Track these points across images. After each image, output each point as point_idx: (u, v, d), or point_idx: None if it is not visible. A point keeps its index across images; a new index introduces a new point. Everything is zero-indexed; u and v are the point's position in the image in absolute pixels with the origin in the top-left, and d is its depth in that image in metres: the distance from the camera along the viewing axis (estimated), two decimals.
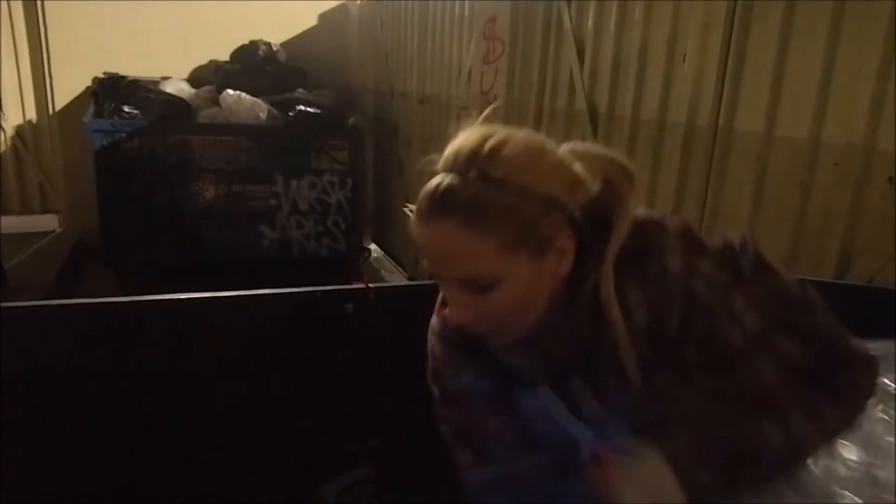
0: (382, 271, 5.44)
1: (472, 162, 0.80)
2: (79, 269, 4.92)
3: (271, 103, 4.84)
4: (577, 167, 0.82)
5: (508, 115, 3.52)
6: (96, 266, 4.81)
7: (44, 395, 1.25)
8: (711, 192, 2.29)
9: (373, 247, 5.87)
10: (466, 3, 4.02)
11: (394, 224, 5.40)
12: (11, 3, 4.87)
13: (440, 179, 0.81)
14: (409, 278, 4.82)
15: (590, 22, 2.87)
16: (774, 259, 0.86)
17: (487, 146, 0.80)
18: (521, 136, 0.82)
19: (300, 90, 5.13)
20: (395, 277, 5.19)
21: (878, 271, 1.76)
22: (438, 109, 4.47)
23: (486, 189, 0.78)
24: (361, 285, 1.47)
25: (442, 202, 0.79)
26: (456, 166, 0.81)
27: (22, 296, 3.74)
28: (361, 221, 5.38)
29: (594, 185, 0.83)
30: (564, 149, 0.84)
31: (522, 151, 0.80)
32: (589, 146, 0.86)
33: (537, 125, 3.30)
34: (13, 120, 5.10)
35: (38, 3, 4.93)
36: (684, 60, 2.37)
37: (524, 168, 0.79)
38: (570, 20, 2.98)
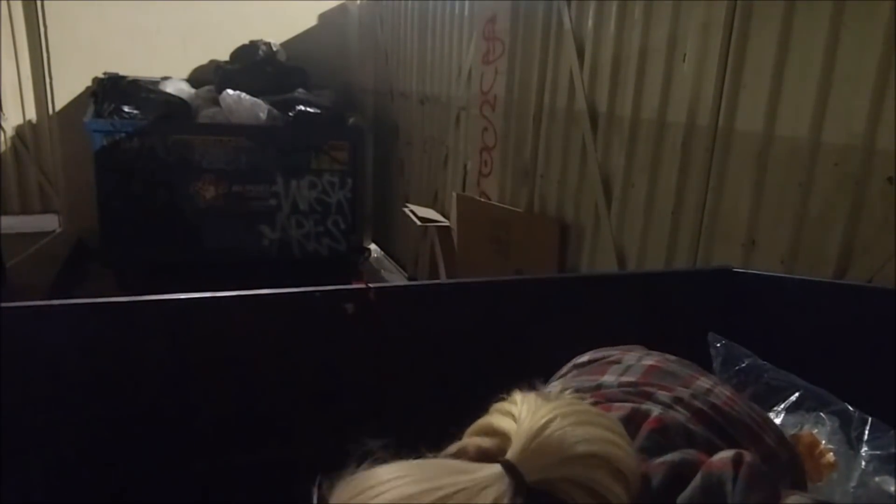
0: (382, 271, 5.45)
1: None
2: (79, 269, 4.92)
3: (271, 103, 4.84)
4: None
5: (508, 115, 3.52)
6: (96, 266, 4.82)
7: (44, 396, 1.25)
8: (711, 191, 2.29)
9: (373, 247, 5.87)
10: (466, 3, 4.02)
11: (394, 224, 5.40)
12: (11, 3, 4.88)
13: None
14: (409, 278, 4.82)
15: (590, 22, 2.87)
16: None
17: None
18: None
19: (300, 90, 5.13)
20: (395, 277, 5.19)
21: (878, 271, 1.75)
22: (438, 109, 4.48)
23: None
24: (361, 285, 1.46)
25: None
26: None
27: (22, 296, 3.74)
28: (361, 221, 5.38)
29: None
30: None
31: None
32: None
33: (537, 125, 3.31)
34: (13, 120, 5.10)
35: (38, 3, 4.94)
36: (684, 60, 2.37)
37: None
38: (570, 20, 2.98)
